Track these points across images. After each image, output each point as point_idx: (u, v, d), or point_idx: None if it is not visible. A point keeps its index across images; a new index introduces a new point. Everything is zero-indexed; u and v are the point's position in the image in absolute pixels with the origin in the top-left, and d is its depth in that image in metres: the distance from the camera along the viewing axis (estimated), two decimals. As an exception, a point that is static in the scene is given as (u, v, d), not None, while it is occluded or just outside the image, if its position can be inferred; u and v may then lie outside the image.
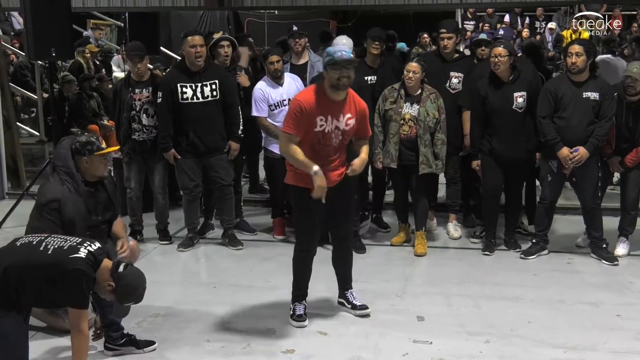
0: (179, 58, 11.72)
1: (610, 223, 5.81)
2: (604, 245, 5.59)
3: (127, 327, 4.06)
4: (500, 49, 5.48)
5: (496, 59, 5.47)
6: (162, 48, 11.73)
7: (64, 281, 3.35)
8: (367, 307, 4.56)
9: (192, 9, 9.19)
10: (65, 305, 3.49)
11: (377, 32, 6.12)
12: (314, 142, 4.20)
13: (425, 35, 10.94)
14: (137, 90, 5.90)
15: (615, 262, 5.50)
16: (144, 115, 5.89)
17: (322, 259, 4.64)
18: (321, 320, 4.47)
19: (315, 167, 4.11)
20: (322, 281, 4.77)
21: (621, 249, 5.68)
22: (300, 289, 4.47)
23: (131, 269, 3.53)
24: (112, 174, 5.88)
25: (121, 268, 3.47)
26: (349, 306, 4.59)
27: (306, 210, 4.30)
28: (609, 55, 8.32)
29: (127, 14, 11.54)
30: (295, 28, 6.65)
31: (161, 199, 6.08)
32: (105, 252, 3.59)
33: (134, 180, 6.00)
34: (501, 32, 6.36)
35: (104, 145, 4.12)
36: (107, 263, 3.49)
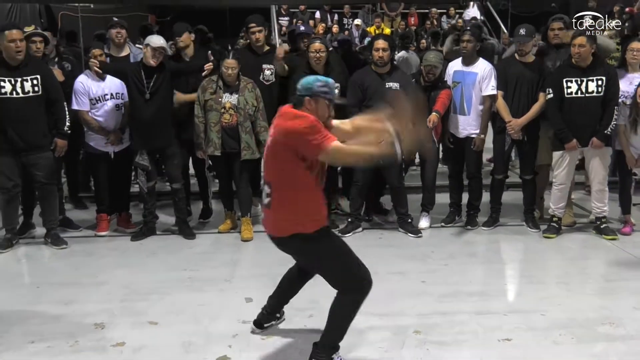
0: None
1: (415, 200, 6.44)
2: (409, 220, 6.19)
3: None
4: (318, 45, 5.91)
5: (317, 54, 5.87)
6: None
7: None
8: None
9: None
10: None
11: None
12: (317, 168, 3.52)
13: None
14: None
15: (420, 235, 6.10)
16: None
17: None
18: (151, 310, 4.49)
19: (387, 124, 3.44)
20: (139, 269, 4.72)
21: (424, 223, 6.33)
22: (342, 339, 3.72)
23: None
24: None
25: None
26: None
27: (343, 249, 3.67)
28: (403, 52, 9.15)
29: None
30: (116, 19, 6.55)
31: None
32: None
33: None
34: (302, 28, 6.91)
35: None
36: None
